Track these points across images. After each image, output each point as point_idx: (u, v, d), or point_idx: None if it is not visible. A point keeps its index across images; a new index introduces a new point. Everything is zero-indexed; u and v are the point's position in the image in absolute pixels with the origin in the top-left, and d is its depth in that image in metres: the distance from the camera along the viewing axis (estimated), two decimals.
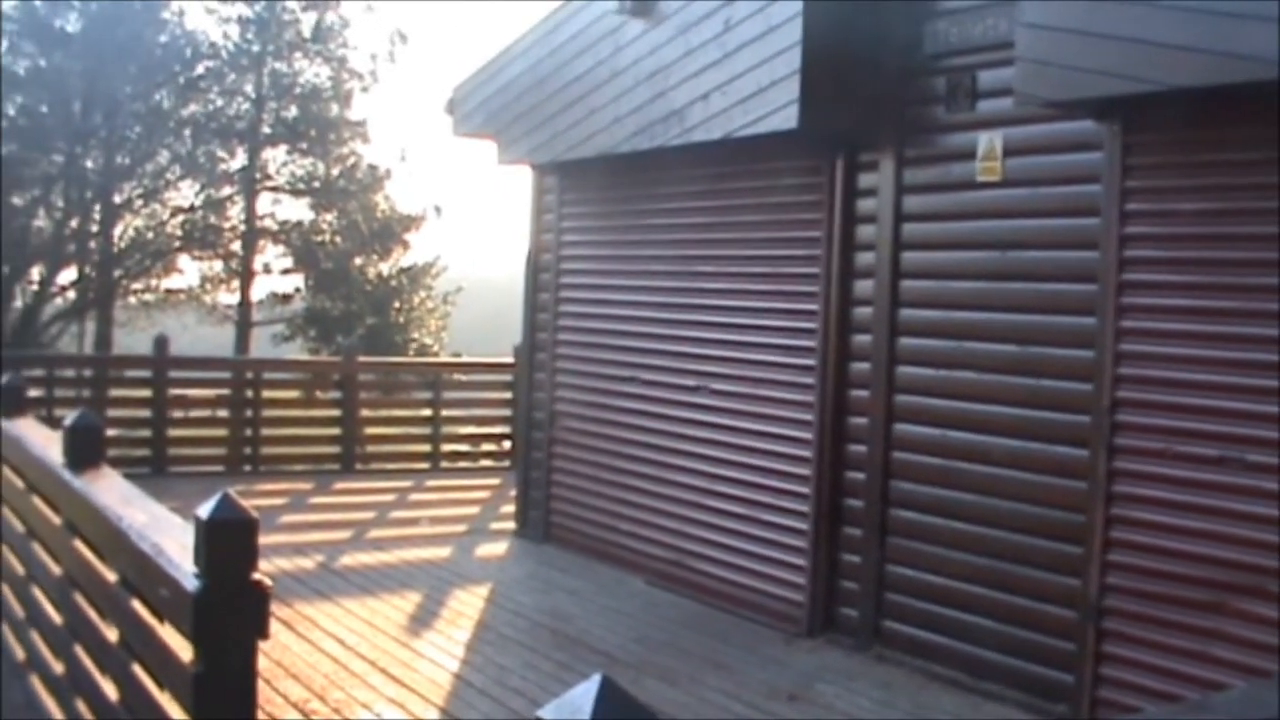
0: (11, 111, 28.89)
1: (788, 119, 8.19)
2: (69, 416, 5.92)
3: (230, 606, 3.66)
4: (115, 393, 15.97)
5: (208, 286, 35.10)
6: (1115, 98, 6.64)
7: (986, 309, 7.80)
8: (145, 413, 15.44)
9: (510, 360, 16.65)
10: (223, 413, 16.44)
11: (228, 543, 3.65)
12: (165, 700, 4.21)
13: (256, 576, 3.68)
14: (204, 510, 3.67)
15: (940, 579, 8.01)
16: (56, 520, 5.92)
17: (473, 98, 11.79)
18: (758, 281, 9.51)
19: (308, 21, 34.31)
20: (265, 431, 16.09)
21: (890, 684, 7.85)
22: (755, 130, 8.49)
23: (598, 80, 10.05)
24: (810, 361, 8.97)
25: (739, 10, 8.57)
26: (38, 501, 6.41)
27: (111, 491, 5.12)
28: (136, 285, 33.14)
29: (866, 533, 8.53)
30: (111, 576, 4.92)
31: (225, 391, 16.40)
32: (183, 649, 3.95)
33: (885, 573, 8.41)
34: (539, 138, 10.95)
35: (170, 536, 4.21)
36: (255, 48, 33.40)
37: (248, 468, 15.67)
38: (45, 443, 6.51)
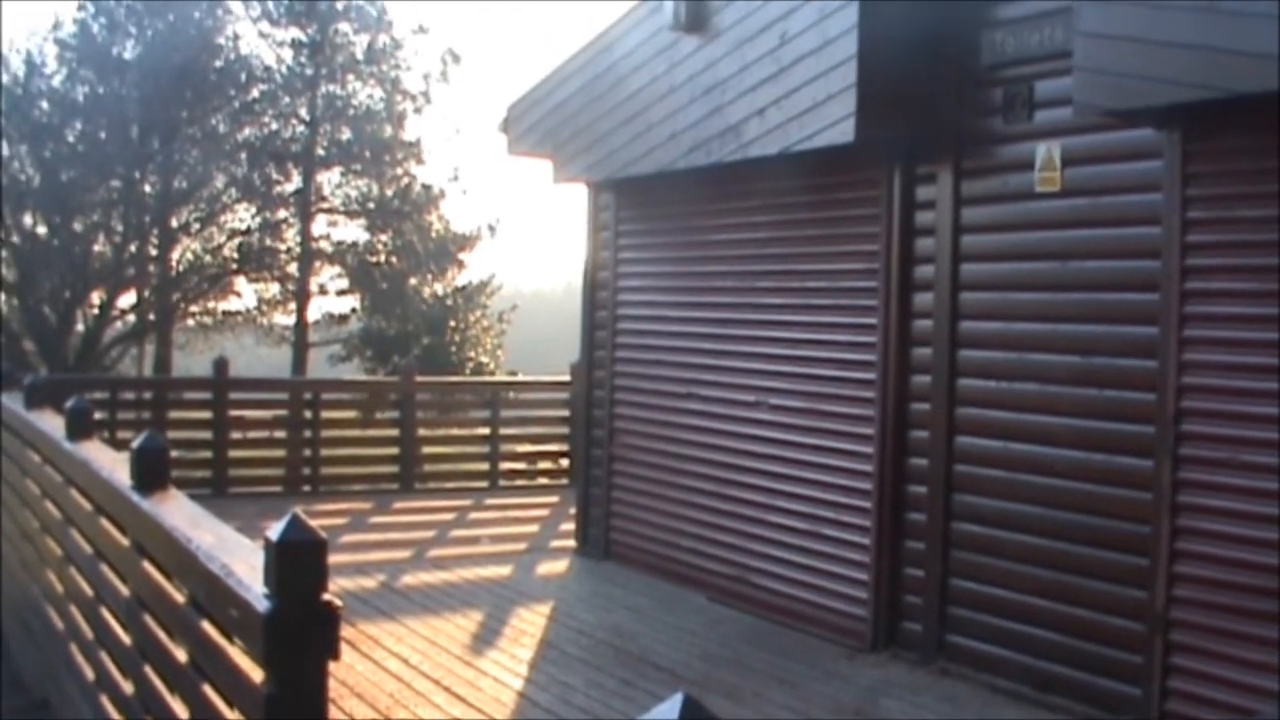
0: (71, 138, 29.21)
1: (844, 133, 8.17)
2: (136, 439, 5.96)
3: (301, 627, 3.67)
4: (175, 414, 16.10)
5: (264, 308, 35.32)
6: (1175, 105, 6.59)
7: (1048, 320, 7.75)
8: (205, 434, 15.56)
9: (567, 378, 16.70)
10: (280, 433, 16.53)
11: (298, 563, 3.66)
12: None
13: (327, 597, 3.70)
14: (274, 531, 3.69)
15: (1005, 592, 7.95)
16: (124, 542, 5.96)
17: (527, 117, 11.83)
18: (816, 296, 9.49)
19: (360, 44, 34.50)
20: (324, 452, 16.18)
21: (955, 698, 7.80)
22: (812, 144, 8.47)
23: (653, 97, 10.06)
24: (870, 375, 8.94)
25: (795, 24, 8.57)
26: (105, 523, 6.47)
27: (179, 513, 5.14)
28: (194, 308, 33.41)
29: (929, 546, 8.48)
30: (180, 597, 4.95)
31: (283, 412, 16.50)
32: (253, 669, 3.97)
33: (949, 586, 8.36)
34: (594, 155, 10.97)
35: (239, 557, 4.23)
36: (309, 71, 33.61)
37: (307, 488, 15.76)
38: (112, 465, 6.56)
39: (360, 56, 34.42)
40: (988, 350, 8.14)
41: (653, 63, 10.08)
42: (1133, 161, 7.26)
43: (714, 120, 9.38)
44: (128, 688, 6.03)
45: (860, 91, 8.06)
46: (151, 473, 5.73)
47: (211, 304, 33.79)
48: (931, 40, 8.31)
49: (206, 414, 15.74)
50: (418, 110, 35.10)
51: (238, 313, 34.90)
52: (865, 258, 9.01)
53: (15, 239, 28.70)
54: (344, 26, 34.15)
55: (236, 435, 16.04)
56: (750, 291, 10.13)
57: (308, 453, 16.09)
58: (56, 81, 30.01)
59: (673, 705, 1.90)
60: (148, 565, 5.50)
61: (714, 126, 9.38)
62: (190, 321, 34.15)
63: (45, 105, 29.50)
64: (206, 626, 4.53)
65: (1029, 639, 7.77)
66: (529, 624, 9.56)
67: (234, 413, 15.94)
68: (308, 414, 16.25)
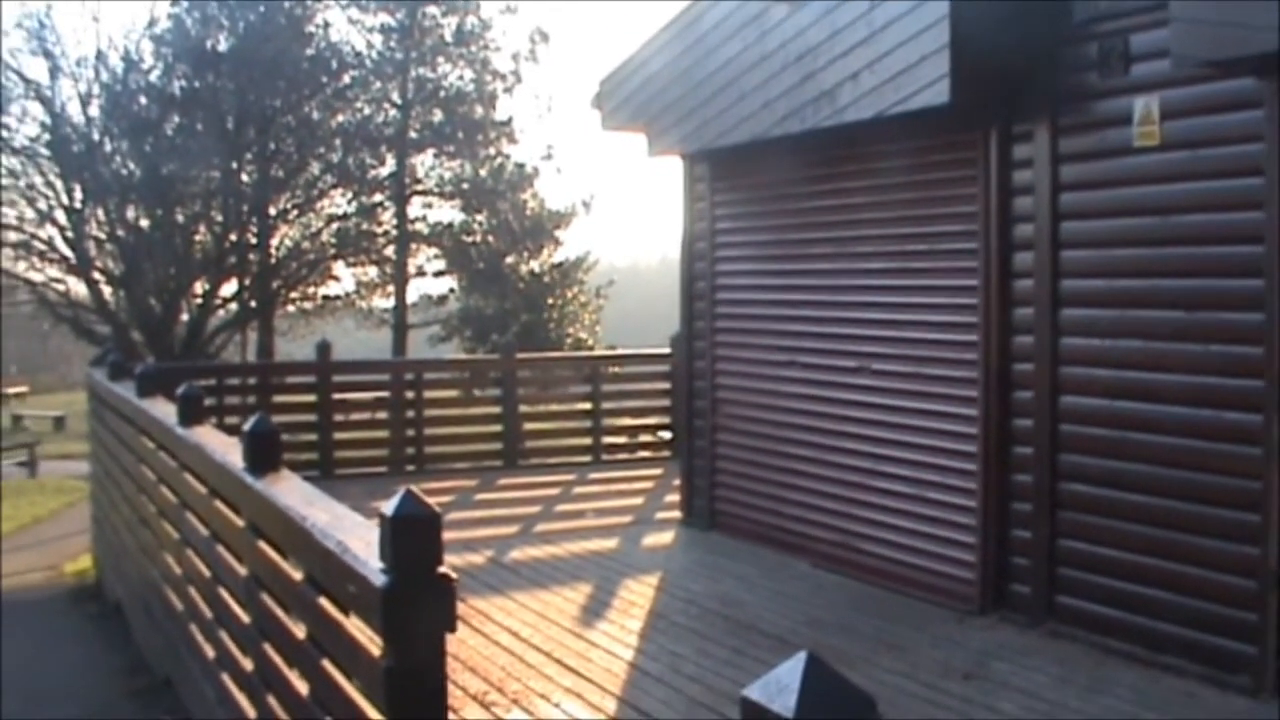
0: (170, 131, 29.67)
1: (939, 94, 8.12)
2: (247, 422, 6.08)
3: (418, 600, 3.74)
4: (280, 399, 16.33)
5: (363, 292, 35.72)
6: (1275, 53, 6.48)
7: (1150, 276, 7.66)
8: (310, 417, 15.78)
9: (667, 350, 16.73)
10: (383, 414, 16.70)
11: (413, 537, 3.73)
12: (355, 693, 4.32)
13: (442, 570, 3.76)
14: (388, 506, 3.76)
15: (1114, 552, 7.89)
16: (239, 522, 6.08)
17: (620, 91, 11.86)
18: (915, 259, 9.45)
19: (449, 26, 34.72)
20: (428, 431, 16.35)
21: (1066, 660, 7.76)
22: (907, 107, 8.42)
23: (744, 66, 10.04)
24: (972, 337, 8.89)
25: None
26: (220, 505, 6.60)
27: (293, 493, 5.24)
28: (294, 294, 33.86)
29: (1036, 507, 8.43)
30: (296, 575, 5.05)
31: (385, 394, 16.66)
32: (371, 643, 4.05)
33: (1057, 547, 8.30)
34: (688, 127, 10.97)
35: (354, 534, 4.31)
36: (399, 55, 33.88)
37: (411, 467, 15.91)
38: (224, 449, 6.69)
39: (449, 38, 34.64)
40: (1090, 308, 8.06)
41: (743, 31, 10.06)
42: (1232, 112, 7.14)
43: (807, 87, 9.35)
44: (247, 665, 6.15)
45: (954, 52, 8.00)
46: (264, 455, 5.84)
47: (311, 289, 34.26)
48: None
49: (311, 397, 15.96)
50: (508, 90, 35.29)
51: (337, 297, 35.37)
52: (963, 219, 8.95)
53: (120, 232, 29.22)
54: (432, 9, 34.38)
55: (340, 418, 16.23)
56: (848, 257, 10.10)
57: (411, 433, 16.25)
58: (154, 77, 30.51)
59: (795, 664, 1.91)
60: (263, 545, 5.61)
61: (807, 93, 9.35)
62: (291, 307, 34.66)
63: (144, 100, 30.02)
64: (323, 602, 4.62)
65: (1140, 599, 7.71)
66: (637, 595, 9.62)
67: (338, 395, 16.16)
68: (410, 394, 16.41)
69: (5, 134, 28.88)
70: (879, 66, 8.59)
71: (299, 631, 5.07)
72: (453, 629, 3.82)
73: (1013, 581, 8.68)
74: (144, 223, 29.60)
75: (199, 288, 30.84)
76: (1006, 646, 8.09)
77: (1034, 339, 8.41)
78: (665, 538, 11.79)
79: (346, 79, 32.56)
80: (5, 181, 29.22)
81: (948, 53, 8.00)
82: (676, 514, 12.43)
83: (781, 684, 1.89)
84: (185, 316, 30.52)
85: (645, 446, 17.23)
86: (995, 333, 8.69)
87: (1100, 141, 7.95)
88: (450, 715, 4.10)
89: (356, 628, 4.25)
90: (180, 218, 29.76)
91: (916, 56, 8.24)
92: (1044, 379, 8.33)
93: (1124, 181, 7.81)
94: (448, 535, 3.86)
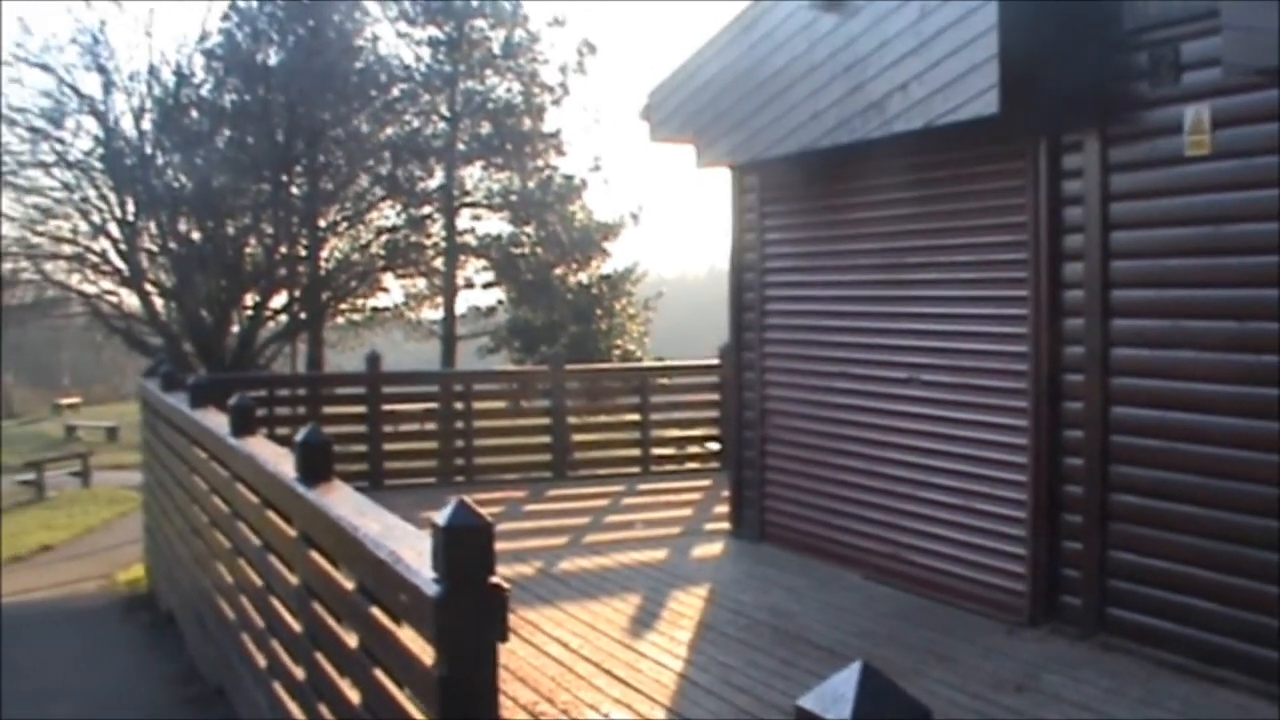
0: (220, 144, 29.91)
1: (988, 104, 8.09)
2: (299, 433, 6.12)
3: (471, 609, 3.77)
4: (330, 410, 16.40)
5: (412, 303, 35.89)
6: None
7: (1202, 286, 7.61)
8: (360, 428, 15.85)
9: (715, 361, 16.74)
10: (431, 425, 16.75)
11: (466, 547, 3.76)
12: (407, 702, 4.35)
13: (494, 580, 3.79)
14: (441, 516, 3.78)
15: (1166, 564, 7.84)
16: (292, 532, 6.13)
17: (668, 102, 11.87)
18: (964, 270, 9.42)
19: (497, 39, 34.87)
20: (477, 442, 16.40)
21: (1118, 672, 7.71)
22: (956, 118, 8.40)
23: (794, 76, 10.05)
24: (1021, 348, 8.85)
25: None
26: (272, 515, 6.65)
27: (345, 503, 5.28)
28: (344, 306, 34.03)
29: (1087, 519, 8.39)
30: (348, 584, 5.09)
31: (434, 405, 16.71)
32: (423, 653, 4.08)
33: (1108, 559, 8.25)
34: (737, 138, 10.98)
35: (406, 544, 4.34)
36: (447, 68, 34.05)
37: (460, 478, 15.94)
38: (276, 459, 6.75)
39: (497, 51, 34.81)
40: (1141, 319, 8.02)
41: (792, 42, 10.06)
42: None
43: (856, 97, 9.34)
44: (299, 673, 6.20)
45: (1002, 62, 7.98)
46: (316, 465, 5.89)
47: (360, 301, 34.41)
48: (1072, 7, 8.20)
49: (360, 408, 16.04)
50: (556, 102, 35.41)
51: (386, 309, 35.54)
52: (1012, 229, 8.92)
53: (172, 245, 29.46)
54: (480, 23, 34.56)
55: (389, 429, 16.29)
56: (897, 268, 10.08)
57: (460, 443, 16.30)
58: (205, 91, 30.75)
59: (850, 674, 1.91)
60: (315, 554, 5.65)
61: (856, 103, 9.34)
62: (340, 319, 34.84)
63: (195, 114, 30.25)
64: (375, 612, 4.66)
65: (1192, 611, 7.66)
66: (686, 606, 9.62)
67: (387, 407, 16.23)
68: (460, 405, 16.46)
69: (60, 148, 29.16)
70: (928, 77, 8.58)
71: (351, 640, 5.11)
72: (505, 639, 3.85)
73: (1063, 593, 8.63)
74: (195, 235, 29.81)
75: (249, 300, 31.03)
76: (1057, 659, 8.05)
77: (1085, 349, 8.37)
78: (714, 549, 11.78)
79: (395, 92, 32.73)
80: (60, 195, 29.51)
81: (997, 63, 7.98)
82: (725, 525, 12.42)
83: (837, 694, 1.89)
84: (235, 328, 30.72)
85: (693, 458, 17.23)
86: (1045, 343, 8.65)
87: (1151, 151, 7.91)
88: None
89: (408, 637, 4.27)
90: (231, 230, 29.97)
91: (965, 67, 8.22)
92: (1095, 390, 8.29)
93: (1175, 191, 7.77)
94: (498, 546, 3.88)
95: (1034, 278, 8.69)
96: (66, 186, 29.46)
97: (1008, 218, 8.96)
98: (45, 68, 28.83)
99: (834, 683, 1.92)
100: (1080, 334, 8.42)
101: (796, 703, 1.94)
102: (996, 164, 9.10)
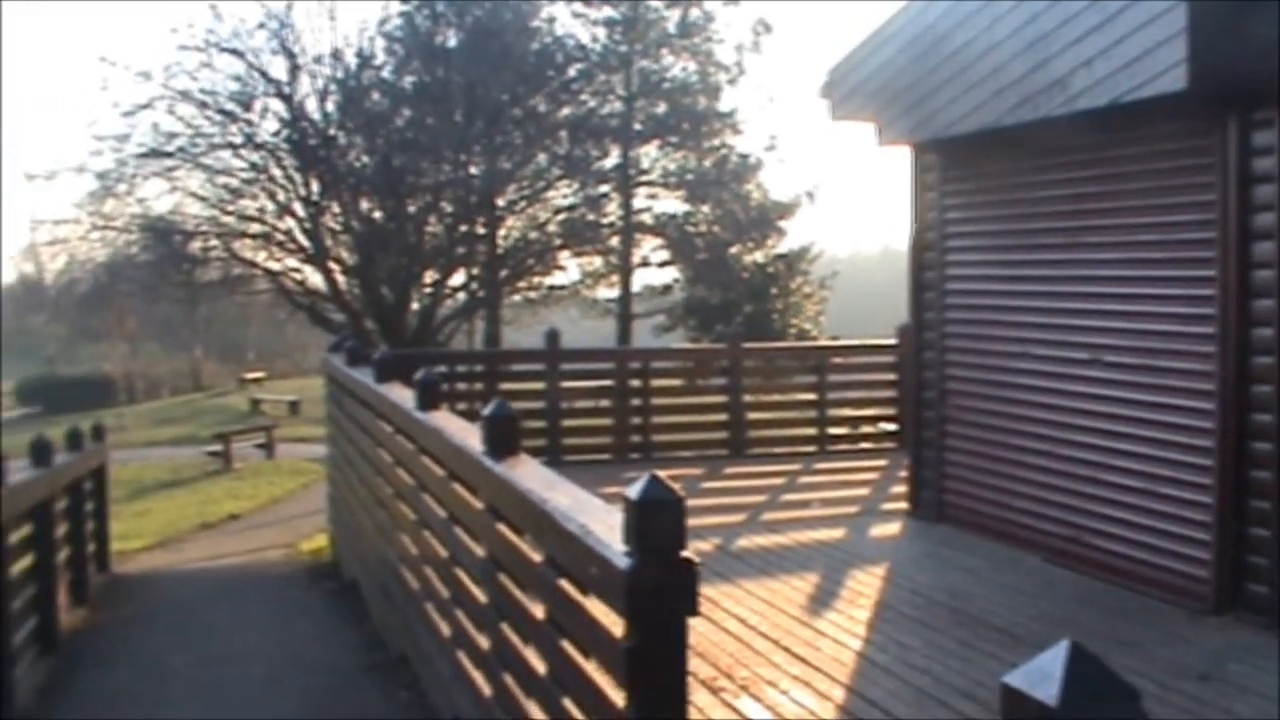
0: (401, 125, 30.42)
1: (1176, 80, 7.90)
2: (487, 407, 6.22)
3: (662, 583, 3.81)
4: (508, 386, 16.61)
5: (588, 282, 36.19)
6: None
7: None
8: (538, 404, 16.04)
9: (893, 341, 16.61)
10: (605, 402, 16.87)
11: (658, 521, 3.80)
12: (595, 673, 4.40)
13: (685, 554, 3.82)
14: (633, 490, 3.83)
15: None
16: (478, 505, 6.22)
17: (849, 80, 11.79)
18: (1148, 249, 9.22)
19: (673, 18, 34.97)
20: (654, 419, 16.49)
21: None
22: (1142, 94, 8.22)
23: (975, 54, 9.91)
24: (1209, 330, 8.64)
25: None
26: (458, 488, 6.76)
27: (533, 476, 5.36)
28: (521, 284, 34.40)
29: (1276, 505, 8.17)
30: (535, 556, 5.16)
31: (610, 382, 16.84)
32: (613, 624, 4.13)
33: None
34: (918, 116, 10.87)
35: (596, 517, 4.39)
36: (623, 48, 34.22)
37: (636, 455, 16.04)
38: (462, 433, 6.86)
39: (673, 31, 34.90)
40: None
41: (973, 19, 9.93)
42: None
43: (1039, 74, 9.19)
44: (484, 643, 6.31)
45: (1190, 36, 7.78)
46: (503, 439, 5.98)
47: (537, 279, 34.77)
48: None
49: (539, 385, 16.22)
50: (731, 81, 35.42)
51: (563, 287, 35.86)
52: (1198, 208, 8.70)
53: (355, 224, 30.06)
54: (655, 3, 34.69)
55: (564, 405, 16.44)
56: (1079, 247, 9.90)
57: (637, 420, 16.41)
58: (386, 72, 31.30)
59: (1058, 653, 1.90)
60: (502, 526, 5.74)
61: (1039, 81, 9.19)
62: (517, 297, 35.25)
63: (376, 96, 30.80)
64: (563, 584, 4.72)
65: None
66: (864, 585, 9.58)
67: (565, 383, 16.40)
68: (637, 383, 16.57)
69: (249, 129, 29.89)
70: (1114, 53, 8.40)
71: (538, 611, 5.18)
72: (695, 612, 3.89)
73: (1250, 581, 8.41)
74: (377, 214, 30.37)
75: (429, 277, 31.53)
76: (1241, 647, 7.85)
77: (1275, 331, 8.14)
78: (892, 529, 11.72)
79: (572, 72, 32.95)
80: (248, 176, 30.26)
81: (1185, 38, 7.77)
82: (903, 505, 12.34)
83: (1045, 672, 1.88)
84: (415, 305, 31.25)
85: (869, 438, 17.13)
86: (1234, 325, 8.42)
87: None
88: None
89: (597, 609, 4.33)
90: (411, 209, 30.46)
91: (1152, 42, 8.03)
92: None
93: None
94: None
95: (1222, 257, 8.47)
96: (254, 167, 30.20)
97: (1194, 196, 8.75)
98: (235, 52, 29.55)
99: (1042, 661, 1.91)
100: (1270, 315, 8.18)
101: (1002, 679, 1.93)
102: (1183, 141, 8.88)
